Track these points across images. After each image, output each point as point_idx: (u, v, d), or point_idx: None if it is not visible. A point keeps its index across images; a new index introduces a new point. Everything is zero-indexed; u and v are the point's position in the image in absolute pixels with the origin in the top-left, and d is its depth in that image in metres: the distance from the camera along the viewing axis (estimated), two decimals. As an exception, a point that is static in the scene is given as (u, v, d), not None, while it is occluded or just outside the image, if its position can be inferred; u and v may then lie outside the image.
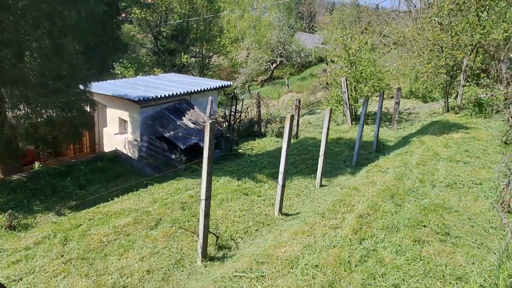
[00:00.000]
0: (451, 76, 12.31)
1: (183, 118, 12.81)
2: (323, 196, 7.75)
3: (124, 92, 12.64)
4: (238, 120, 13.48)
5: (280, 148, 13.34)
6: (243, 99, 13.25)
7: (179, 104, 13.38)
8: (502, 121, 10.88)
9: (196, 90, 13.81)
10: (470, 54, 11.19)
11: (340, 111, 15.79)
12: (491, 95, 11.39)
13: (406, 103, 19.23)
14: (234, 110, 12.57)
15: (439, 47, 12.40)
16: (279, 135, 16.26)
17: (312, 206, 6.01)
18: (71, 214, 6.49)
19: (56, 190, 9.04)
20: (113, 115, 13.45)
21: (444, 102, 13.63)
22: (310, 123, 19.70)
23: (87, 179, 10.04)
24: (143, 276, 4.80)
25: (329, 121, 7.91)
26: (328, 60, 40.44)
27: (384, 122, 14.75)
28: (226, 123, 13.39)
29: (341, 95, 14.69)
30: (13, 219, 6.88)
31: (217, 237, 5.48)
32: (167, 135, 11.95)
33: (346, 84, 14.04)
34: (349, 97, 14.36)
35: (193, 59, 23.19)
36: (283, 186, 6.65)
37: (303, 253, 3.84)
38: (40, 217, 8.05)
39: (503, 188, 5.02)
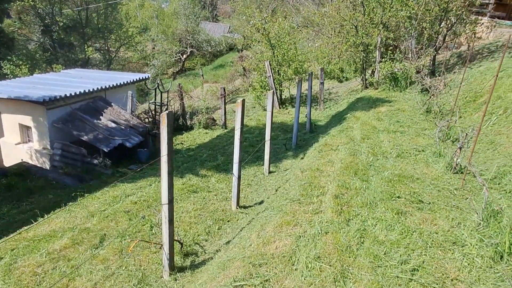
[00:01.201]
0: (367, 53, 13.03)
1: (101, 118, 11.37)
2: (276, 182, 7.49)
3: (22, 93, 10.70)
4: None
5: (214, 139, 12.83)
6: (168, 91, 12.25)
7: (93, 103, 11.85)
8: (416, 92, 11.87)
9: (111, 86, 12.37)
10: (383, 31, 11.93)
11: (266, 96, 15.73)
12: (403, 69, 12.33)
13: (341, 86, 20.08)
14: (159, 104, 11.54)
15: (354, 26, 12.99)
16: (207, 126, 15.60)
17: (277, 195, 5.67)
18: (-16, 247, 5.14)
19: (-51, 220, 7.23)
20: (11, 121, 11.34)
21: (362, 79, 14.43)
22: (234, 112, 19.37)
23: (-10, 201, 8.27)
24: (102, 307, 3.96)
25: (272, 104, 7.62)
26: (239, 47, 40.43)
27: (305, 103, 15.10)
28: (150, 118, 12.28)
29: (266, 80, 14.59)
30: None
31: (182, 244, 4.82)
32: (85, 138, 10.47)
33: (270, 68, 13.95)
34: (274, 81, 14.33)
35: (98, 53, 20.84)
36: (239, 177, 6.20)
37: (298, 246, 3.46)
38: None
39: (455, 152, 5.29)
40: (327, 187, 4.99)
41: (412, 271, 3.07)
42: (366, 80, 14.10)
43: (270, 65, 13.98)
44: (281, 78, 14.69)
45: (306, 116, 11.46)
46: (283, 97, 15.77)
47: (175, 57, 38.62)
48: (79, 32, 19.14)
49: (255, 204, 6.53)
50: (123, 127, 11.24)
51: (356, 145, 7.03)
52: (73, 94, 10.84)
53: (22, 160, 10.56)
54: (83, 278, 4.36)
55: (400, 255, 3.28)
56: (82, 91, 11.17)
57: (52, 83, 12.32)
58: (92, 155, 10.59)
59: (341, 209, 4.26)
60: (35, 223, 5.83)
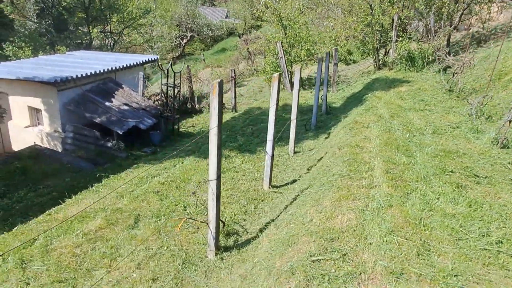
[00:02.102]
0: (383, 33, 12.72)
1: (113, 100, 11.05)
2: (303, 162, 7.30)
3: (31, 74, 10.33)
4: (177, 97, 12.15)
5: (229, 121, 12.53)
6: (180, 72, 11.89)
7: (104, 84, 11.50)
8: (433, 72, 11.63)
9: (121, 67, 11.99)
10: (402, 9, 11.60)
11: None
12: (421, 49, 12.05)
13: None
14: (172, 85, 11.20)
15: (369, 5, 12.64)
16: (217, 109, 15.31)
17: (316, 172, 5.46)
18: (17, 228, 4.92)
19: (-34, 203, 6.99)
20: (19, 104, 10.99)
21: (374, 60, 14.13)
22: (242, 95, 19.02)
23: (5, 185, 8.00)
24: (151, 287, 3.77)
25: (299, 83, 7.38)
26: (240, 32, 39.71)
27: (321, 85, 14.81)
28: (163, 100, 11.97)
29: (277, 61, 14.25)
30: None
31: (223, 223, 4.63)
32: (98, 120, 10.17)
33: (282, 49, 13.61)
34: (286, 62, 14.01)
35: (102, 35, 20.21)
36: (273, 156, 5.99)
37: (365, 220, 3.27)
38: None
39: (503, 125, 5.10)
40: (372, 162, 4.79)
41: (497, 243, 2.89)
42: (379, 61, 13.81)
43: (282, 46, 13.63)
44: (292, 59, 14.34)
45: (321, 98, 11.20)
46: (293, 79, 15.46)
47: (175, 41, 37.90)
48: (83, 13, 18.47)
49: (286, 183, 6.35)
50: (135, 109, 10.94)
51: (387, 123, 6.82)
52: (84, 75, 10.48)
53: (34, 143, 10.25)
54: (126, 259, 4.16)
55: (479, 228, 3.10)
56: (92, 72, 10.80)
57: (59, 64, 11.92)
58: (104, 138, 10.31)
59: (396, 183, 4.07)
60: (63, 204, 5.60)
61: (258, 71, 24.20)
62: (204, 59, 32.71)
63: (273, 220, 4.64)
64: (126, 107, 10.86)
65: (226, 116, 14.24)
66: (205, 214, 5.24)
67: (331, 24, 15.10)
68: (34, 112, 11.02)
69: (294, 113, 7.47)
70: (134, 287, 3.78)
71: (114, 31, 20.63)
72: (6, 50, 15.52)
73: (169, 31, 38.80)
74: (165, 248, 4.38)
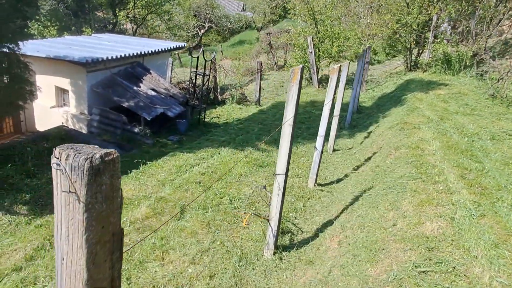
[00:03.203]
0: (418, 34, 12.31)
1: (140, 84, 10.79)
2: (345, 160, 7.01)
3: (60, 53, 10.09)
4: (206, 85, 11.86)
5: (258, 114, 12.23)
6: (211, 60, 11.60)
7: (132, 68, 11.24)
8: (471, 77, 11.23)
9: (149, 52, 11.72)
10: (444, 10, 11.17)
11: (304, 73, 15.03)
12: (457, 51, 11.64)
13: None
14: (202, 73, 10.91)
15: (406, 3, 12.22)
16: (240, 101, 15.04)
17: (376, 173, 5.15)
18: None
19: (-3, 181, 6.78)
20: (46, 83, 10.76)
21: (405, 61, 13.73)
22: (263, 89, 18.70)
23: (34, 165, 7.79)
24: (208, 284, 3.51)
25: (345, 78, 7.05)
26: (259, 25, 39.13)
27: (348, 84, 14.46)
28: (189, 89, 11.70)
29: (307, 56, 13.90)
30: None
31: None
32: (126, 105, 9.93)
33: (313, 44, 13.25)
34: (315, 58, 13.65)
35: (127, 19, 19.92)
36: (322, 152, 5.70)
37: (460, 228, 2.95)
38: (-14, 219, 5.90)
39: None
40: (440, 166, 4.47)
41: None
42: (411, 62, 13.40)
43: (312, 40, 13.27)
44: (321, 54, 13.98)
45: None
46: (319, 76, 15.10)
47: (192, 31, 37.53)
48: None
49: (331, 182, 6.07)
50: (163, 96, 10.68)
51: (439, 125, 6.48)
52: (114, 57, 10.22)
53: (62, 123, 10.04)
54: (178, 252, 3.91)
55: None
56: (122, 55, 10.54)
57: (87, 45, 11.68)
58: (131, 123, 10.07)
59: (477, 190, 3.76)
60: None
61: (279, 66, 23.86)
62: (222, 51, 32.36)
63: (331, 220, 4.35)
64: (153, 93, 10.60)
65: (249, 110, 13.95)
66: (253, 209, 4.97)
67: (367, 20, 14.69)
68: (61, 92, 10.80)
69: (338, 109, 7.16)
70: (191, 283, 3.52)
71: (137, 16, 20.35)
72: (32, 29, 15.31)
73: (186, 21, 38.43)
74: (218, 243, 4.11)
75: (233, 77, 16.45)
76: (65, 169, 1.02)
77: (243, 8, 50.34)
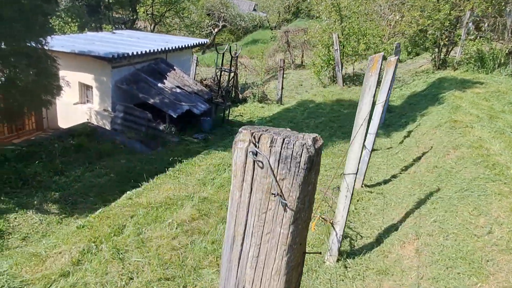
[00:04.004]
0: (449, 30, 11.85)
1: (165, 81, 10.53)
2: (387, 160, 6.65)
3: (85, 48, 9.88)
4: (232, 82, 11.56)
5: (285, 112, 11.89)
6: (237, 57, 11.31)
7: (156, 64, 11.00)
8: (506, 75, 10.75)
9: (173, 48, 11.47)
10: (480, 5, 10.69)
11: (325, 72, 14.63)
12: (492, 49, 11.17)
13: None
14: (228, 70, 10.62)
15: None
16: (262, 100, 14.71)
17: (439, 174, 4.78)
18: (100, 211, 4.39)
19: (26, 179, 6.55)
20: (70, 79, 10.51)
21: (433, 59, 13.26)
22: (283, 88, 18.34)
23: (61, 162, 7.56)
24: (272, 295, 3.18)
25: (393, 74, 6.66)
26: (273, 25, 38.74)
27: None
28: (212, 86, 11.41)
29: (331, 54, 13.51)
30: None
31: (332, 224, 4.01)
32: (151, 101, 9.68)
33: (338, 41, 12.87)
34: (341, 56, 13.26)
35: (145, 16, 19.77)
36: (371, 151, 5.36)
37: None
38: (16, 218, 5.67)
39: None
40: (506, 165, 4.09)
41: None
42: (440, 60, 12.93)
43: (338, 37, 12.89)
44: (346, 52, 13.57)
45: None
46: (343, 74, 14.70)
47: (206, 30, 37.34)
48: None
49: (378, 183, 5.71)
50: (188, 93, 10.41)
51: (492, 124, 6.09)
52: (139, 53, 9.99)
53: (87, 120, 9.83)
54: (233, 257, 3.58)
55: None
56: (146, 50, 10.30)
57: (110, 41, 11.47)
58: (156, 121, 9.81)
59: None
60: (141, 188, 5.08)
61: (296, 64, 23.48)
62: (237, 50, 31.95)
63: (395, 225, 4.00)
64: (178, 90, 10.34)
65: (274, 108, 13.61)
66: (320, 212, 4.64)
67: (397, 17, 14.25)
68: (85, 88, 10.60)
69: (381, 105, 6.79)
70: (253, 293, 3.20)
71: (155, 13, 20.15)
72: (53, 25, 15.17)
73: (200, 20, 38.24)
74: (273, 248, 3.78)
75: (254, 74, 16.11)
76: (268, 160, 0.70)
77: (254, 8, 50.09)
